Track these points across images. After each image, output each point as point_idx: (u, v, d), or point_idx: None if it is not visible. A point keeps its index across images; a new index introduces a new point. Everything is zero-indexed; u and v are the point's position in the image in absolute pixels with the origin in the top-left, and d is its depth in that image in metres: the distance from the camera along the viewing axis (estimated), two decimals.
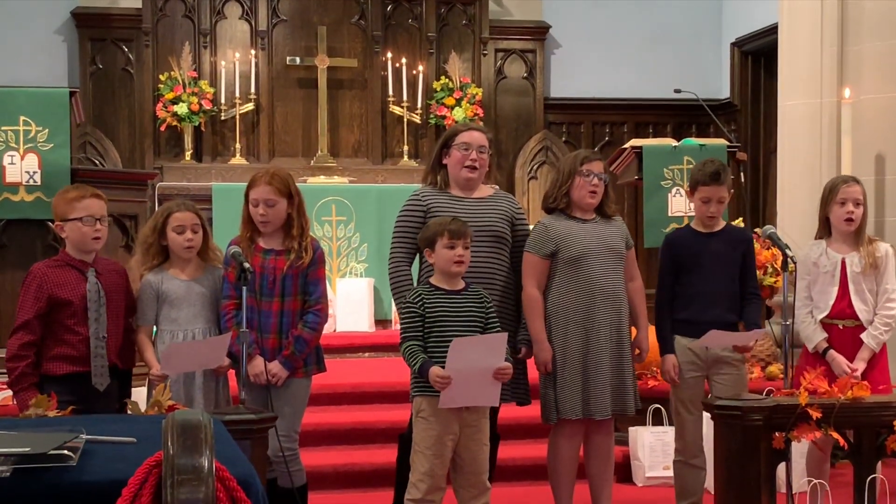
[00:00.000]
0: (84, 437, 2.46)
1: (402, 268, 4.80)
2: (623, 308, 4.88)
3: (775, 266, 6.55)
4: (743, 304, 5.00)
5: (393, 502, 4.88)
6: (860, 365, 5.01)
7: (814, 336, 5.09)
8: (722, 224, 5.06)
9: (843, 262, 5.07)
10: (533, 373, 4.93)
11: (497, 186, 5.18)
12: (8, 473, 2.21)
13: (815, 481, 4.68)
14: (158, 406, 3.93)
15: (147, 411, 3.98)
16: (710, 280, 4.94)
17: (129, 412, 4.05)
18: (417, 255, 4.78)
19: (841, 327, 5.08)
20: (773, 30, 8.76)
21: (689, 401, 4.95)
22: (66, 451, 2.28)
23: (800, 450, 5.10)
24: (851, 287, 5.06)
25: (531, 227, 5.02)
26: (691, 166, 7.02)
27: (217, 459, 2.15)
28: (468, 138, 4.84)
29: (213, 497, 2.09)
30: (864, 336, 5.05)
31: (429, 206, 4.80)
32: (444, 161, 4.89)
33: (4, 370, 4.45)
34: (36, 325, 4.33)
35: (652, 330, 5.05)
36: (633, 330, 5.00)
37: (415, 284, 4.74)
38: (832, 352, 5.05)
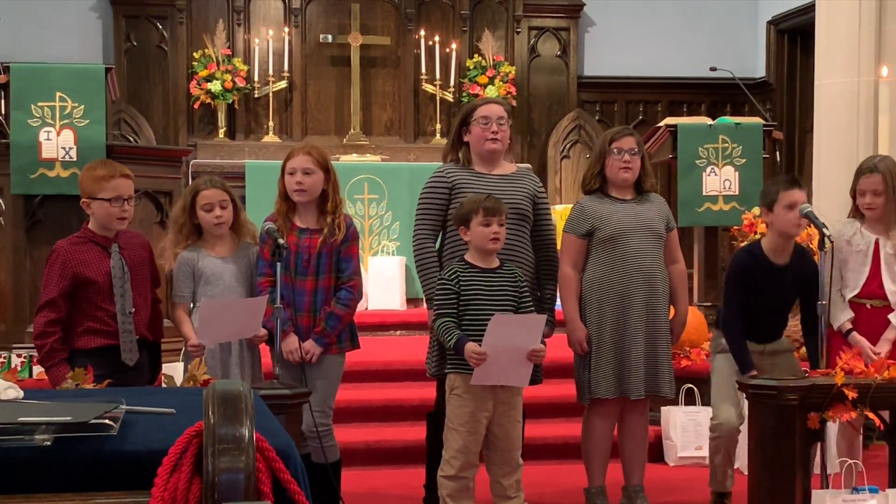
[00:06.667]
0: (124, 407, 2.47)
1: (426, 244, 4.79)
2: (660, 288, 4.84)
3: (811, 245, 6.49)
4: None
5: (425, 480, 4.91)
6: (884, 347, 4.99)
7: (840, 315, 5.05)
8: (791, 252, 4.78)
9: (877, 243, 5.04)
10: (568, 353, 4.92)
11: (521, 164, 5.12)
12: (49, 442, 2.23)
13: (850, 461, 4.65)
14: (194, 380, 3.96)
15: (183, 385, 4.01)
16: (772, 312, 4.80)
17: (164, 385, 4.08)
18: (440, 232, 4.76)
19: (869, 307, 5.07)
20: (809, 8, 8.66)
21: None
22: (107, 421, 2.30)
23: (834, 430, 5.06)
24: (883, 267, 5.04)
25: (555, 207, 4.98)
26: (726, 145, 7.00)
27: (256, 431, 2.16)
28: (486, 111, 4.79)
29: (252, 467, 2.10)
30: (891, 316, 5.03)
31: (453, 183, 4.78)
32: (465, 138, 4.86)
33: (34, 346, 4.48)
34: (61, 303, 4.33)
35: (691, 312, 4.95)
36: (672, 311, 4.95)
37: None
38: (855, 334, 5.02)
